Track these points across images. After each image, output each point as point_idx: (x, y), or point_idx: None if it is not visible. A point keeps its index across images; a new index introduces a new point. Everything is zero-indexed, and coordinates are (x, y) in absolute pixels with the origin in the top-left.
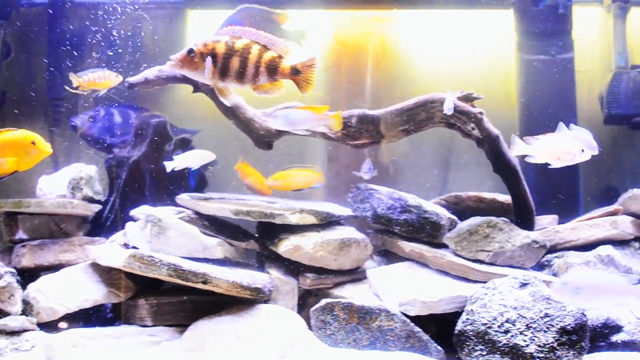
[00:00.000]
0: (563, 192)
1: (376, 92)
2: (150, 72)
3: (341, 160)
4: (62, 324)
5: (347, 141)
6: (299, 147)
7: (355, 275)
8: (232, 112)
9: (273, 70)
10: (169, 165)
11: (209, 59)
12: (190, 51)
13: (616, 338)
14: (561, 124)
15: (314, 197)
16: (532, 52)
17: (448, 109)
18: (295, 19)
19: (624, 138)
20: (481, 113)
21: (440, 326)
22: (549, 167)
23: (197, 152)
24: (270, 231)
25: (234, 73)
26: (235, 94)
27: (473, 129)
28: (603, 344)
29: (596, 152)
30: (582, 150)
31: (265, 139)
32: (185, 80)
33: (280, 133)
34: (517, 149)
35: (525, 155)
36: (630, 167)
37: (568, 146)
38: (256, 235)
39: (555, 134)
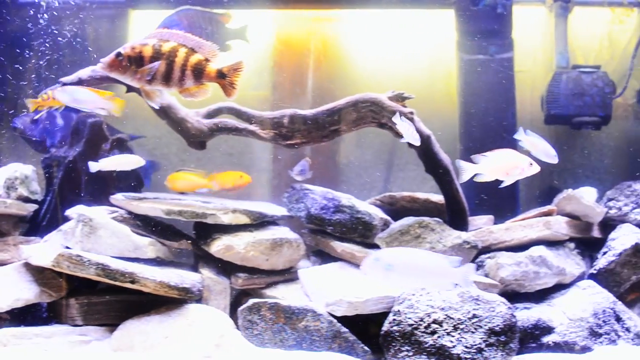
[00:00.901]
0: (502, 192)
1: (318, 92)
2: (84, 72)
3: (283, 161)
4: (5, 315)
5: (280, 141)
6: (241, 148)
7: (289, 275)
8: (164, 112)
9: (199, 73)
10: (93, 166)
11: (156, 63)
12: (119, 54)
13: (547, 339)
14: (521, 129)
15: (257, 197)
16: (471, 51)
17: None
18: (237, 16)
19: (566, 138)
20: (412, 113)
21: (371, 327)
22: (499, 187)
23: (125, 156)
24: (205, 231)
25: (160, 76)
26: (168, 94)
27: None
28: (534, 345)
29: (555, 161)
30: (531, 164)
31: (198, 139)
32: (117, 80)
33: (212, 133)
34: (466, 173)
35: (475, 175)
36: (572, 167)
37: (516, 161)
38: (193, 235)
39: (502, 149)
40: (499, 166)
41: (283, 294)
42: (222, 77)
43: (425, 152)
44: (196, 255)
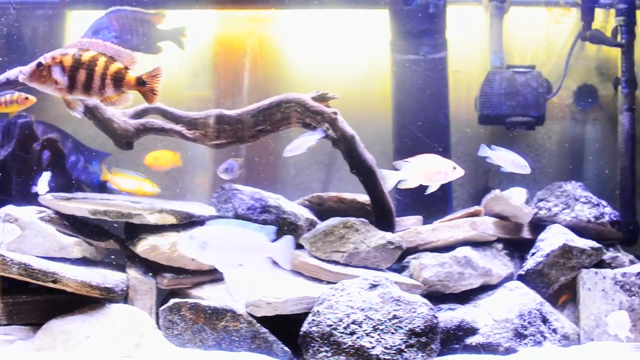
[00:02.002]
0: (433, 193)
1: (254, 93)
2: (12, 73)
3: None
4: None
5: (205, 141)
6: (178, 148)
7: (215, 275)
8: (91, 113)
9: (119, 81)
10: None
11: (60, 72)
12: (39, 64)
13: (471, 340)
14: (483, 146)
15: (194, 197)
16: (404, 51)
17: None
18: (172, 18)
19: (502, 138)
20: (335, 113)
21: (295, 327)
22: (425, 193)
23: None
24: (134, 231)
25: (80, 85)
26: None
27: (328, 129)
28: (457, 346)
29: (528, 171)
30: (454, 168)
31: (124, 139)
32: None
33: (139, 133)
34: (389, 181)
35: (399, 182)
36: None
37: (438, 165)
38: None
39: (424, 155)
40: (422, 172)
41: (209, 294)
42: (142, 85)
43: (349, 152)
44: (126, 255)
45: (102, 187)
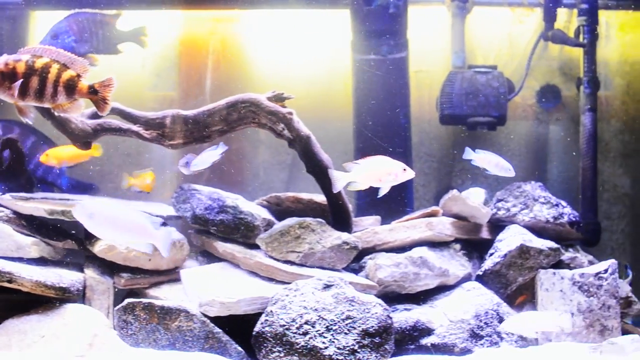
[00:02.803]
0: (393, 193)
1: (217, 93)
2: None
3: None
4: None
5: (162, 141)
6: (138, 148)
7: (173, 275)
8: (48, 113)
9: (71, 89)
10: None
11: (18, 82)
12: None
13: (426, 341)
14: (467, 149)
15: (157, 197)
16: (364, 51)
17: None
18: (133, 18)
19: (464, 138)
20: (290, 113)
21: (250, 327)
22: (378, 197)
23: None
24: None
25: (33, 92)
26: None
27: (283, 129)
28: (412, 346)
29: (512, 174)
30: (405, 169)
31: (82, 139)
32: None
33: (97, 133)
34: (338, 182)
35: (349, 183)
36: (471, 168)
37: (388, 167)
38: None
39: (374, 156)
40: (372, 173)
41: (166, 294)
42: (94, 93)
43: (305, 152)
44: (86, 255)
45: (73, 188)
